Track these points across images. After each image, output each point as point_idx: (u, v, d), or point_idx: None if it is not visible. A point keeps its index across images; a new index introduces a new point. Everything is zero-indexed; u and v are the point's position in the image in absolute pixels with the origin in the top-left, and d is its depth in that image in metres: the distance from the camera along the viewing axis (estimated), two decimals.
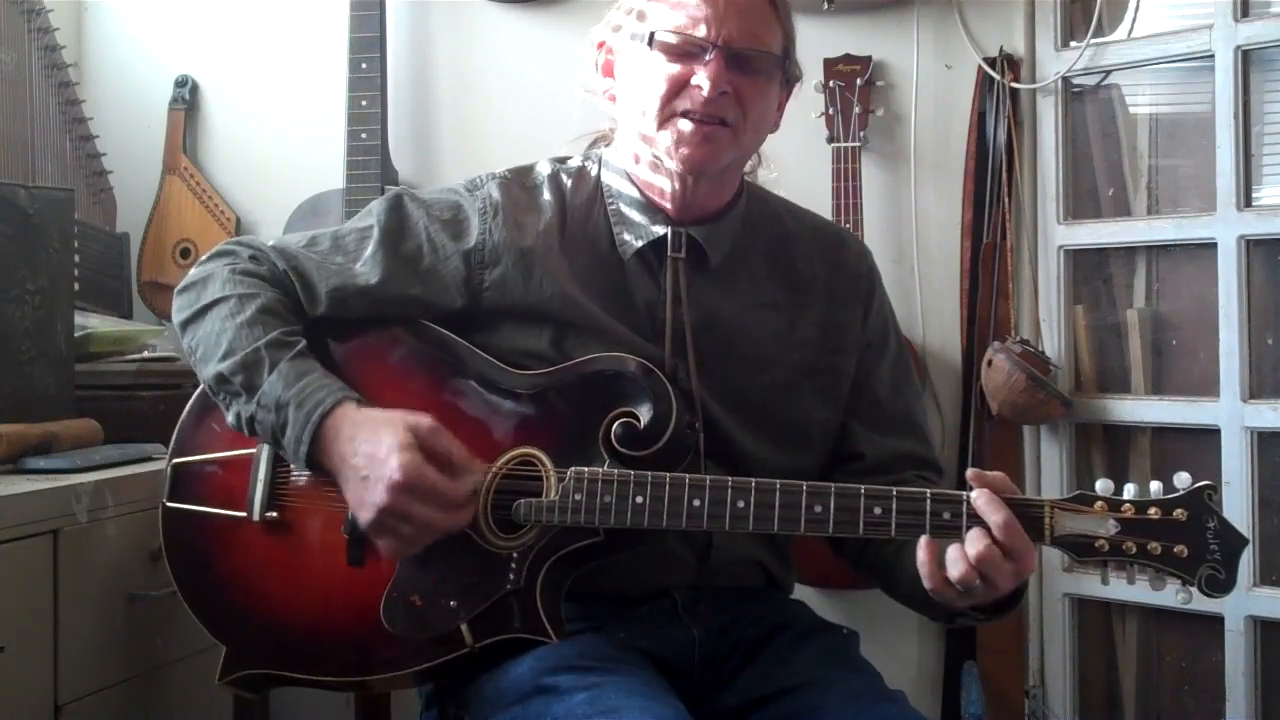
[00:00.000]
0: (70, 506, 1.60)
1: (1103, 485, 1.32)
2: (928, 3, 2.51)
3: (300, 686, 1.46)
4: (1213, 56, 2.26)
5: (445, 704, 1.48)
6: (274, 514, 1.46)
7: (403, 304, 1.50)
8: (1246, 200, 2.25)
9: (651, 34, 1.45)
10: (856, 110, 2.45)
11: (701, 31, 1.43)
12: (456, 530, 1.37)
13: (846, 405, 1.58)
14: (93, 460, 1.75)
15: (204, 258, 1.53)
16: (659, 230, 1.51)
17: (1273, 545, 2.27)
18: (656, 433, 1.38)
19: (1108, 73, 2.44)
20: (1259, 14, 2.27)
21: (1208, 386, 2.31)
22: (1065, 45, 2.44)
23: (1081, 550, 1.31)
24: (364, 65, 2.53)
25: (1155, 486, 1.31)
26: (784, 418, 1.54)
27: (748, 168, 1.61)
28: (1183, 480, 1.30)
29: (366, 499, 1.33)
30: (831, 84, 2.47)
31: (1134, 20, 2.40)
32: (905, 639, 2.54)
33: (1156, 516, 1.30)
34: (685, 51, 1.44)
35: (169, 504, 1.51)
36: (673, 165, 1.47)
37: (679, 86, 1.44)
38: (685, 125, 1.44)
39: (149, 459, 1.84)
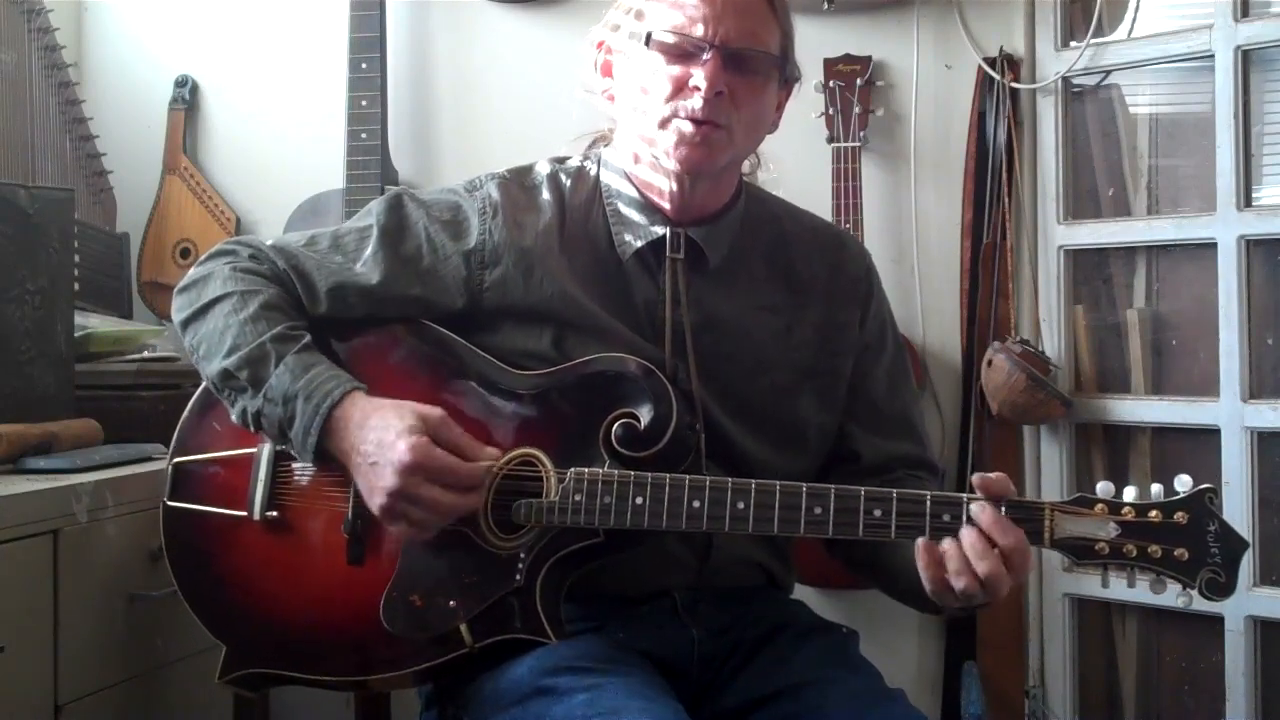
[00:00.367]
0: (70, 506, 1.60)
1: (1103, 488, 1.32)
2: (928, 3, 2.51)
3: (300, 686, 1.46)
4: (1213, 56, 2.26)
5: (445, 704, 1.48)
6: (274, 513, 1.46)
7: (403, 304, 1.50)
8: (1246, 200, 2.25)
9: (648, 34, 1.45)
10: (856, 110, 2.45)
11: (699, 31, 1.42)
12: (467, 512, 1.36)
13: (844, 407, 1.58)
14: (93, 460, 1.75)
15: (204, 257, 1.53)
16: (658, 231, 1.51)
17: (1273, 545, 2.27)
18: (657, 434, 1.38)
19: (1108, 73, 2.44)
20: (1259, 14, 2.27)
21: (1208, 386, 2.31)
22: (1065, 45, 2.44)
23: (1081, 553, 1.30)
24: (364, 65, 2.53)
25: (1156, 489, 1.31)
26: (784, 420, 1.54)
27: (746, 168, 1.61)
28: (1183, 483, 1.30)
29: (376, 484, 1.34)
30: (831, 84, 2.47)
31: (1134, 20, 2.40)
32: (905, 639, 2.54)
33: (1157, 519, 1.29)
34: (682, 51, 1.44)
35: (170, 503, 1.51)
36: (670, 165, 1.47)
37: (676, 86, 1.44)
38: (683, 126, 1.44)
39: (149, 459, 1.84)
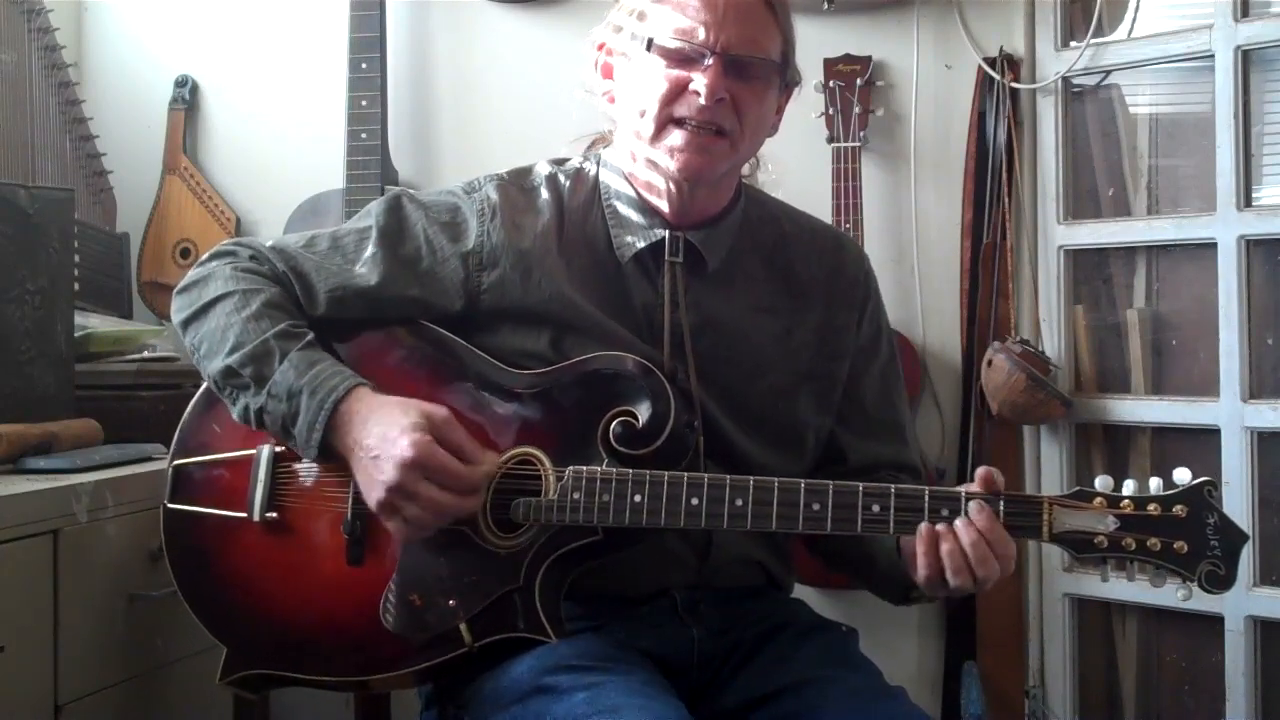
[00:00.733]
0: (70, 506, 1.60)
1: (1102, 481, 1.32)
2: (928, 3, 2.51)
3: (300, 686, 1.46)
4: (1213, 56, 2.27)
5: (445, 704, 1.48)
6: (274, 514, 1.46)
7: (401, 305, 1.50)
8: (1246, 200, 2.25)
9: (650, 39, 1.45)
10: (856, 110, 2.45)
11: (700, 36, 1.42)
12: (464, 514, 1.37)
13: (835, 408, 1.58)
14: (93, 460, 1.75)
15: (203, 258, 1.53)
16: (657, 233, 1.51)
17: (1273, 545, 2.27)
18: (655, 431, 1.38)
19: (1108, 73, 2.44)
20: (1259, 14, 2.27)
21: (1208, 386, 2.31)
22: (1065, 45, 2.44)
23: (1080, 547, 1.31)
24: (364, 65, 2.54)
25: (1155, 482, 1.31)
26: (783, 422, 1.54)
27: (746, 170, 1.60)
28: (1182, 476, 1.30)
29: (376, 478, 1.34)
30: (831, 84, 2.47)
31: (1134, 20, 2.40)
32: (905, 639, 2.54)
33: (1156, 512, 1.29)
34: (684, 56, 1.43)
35: (170, 505, 1.51)
36: (670, 171, 1.46)
37: (677, 91, 1.43)
38: (683, 132, 1.44)
39: (149, 459, 1.84)
